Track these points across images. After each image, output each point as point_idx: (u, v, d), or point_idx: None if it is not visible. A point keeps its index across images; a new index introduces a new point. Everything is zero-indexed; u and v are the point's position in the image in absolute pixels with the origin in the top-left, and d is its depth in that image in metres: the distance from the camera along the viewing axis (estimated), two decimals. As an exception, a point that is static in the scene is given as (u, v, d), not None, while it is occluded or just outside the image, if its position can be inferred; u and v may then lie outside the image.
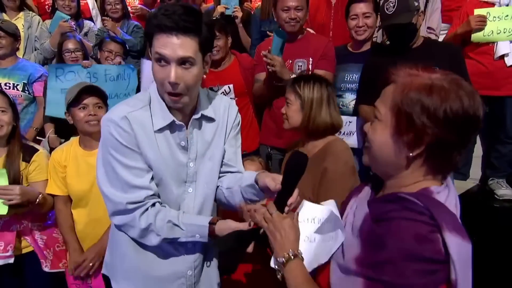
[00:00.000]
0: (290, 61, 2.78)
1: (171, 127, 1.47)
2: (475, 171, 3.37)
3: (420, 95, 0.96)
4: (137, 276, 1.57)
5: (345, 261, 1.03)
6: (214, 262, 1.68)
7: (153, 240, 1.47)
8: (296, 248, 1.15)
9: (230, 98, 2.93)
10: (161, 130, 1.46)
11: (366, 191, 1.17)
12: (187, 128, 1.50)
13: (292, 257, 1.13)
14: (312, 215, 1.22)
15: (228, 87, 2.93)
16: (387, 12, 2.39)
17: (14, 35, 3.25)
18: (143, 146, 1.43)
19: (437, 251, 0.92)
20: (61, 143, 2.89)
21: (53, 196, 2.25)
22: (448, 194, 1.00)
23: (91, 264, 2.15)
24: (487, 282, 2.76)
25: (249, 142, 2.91)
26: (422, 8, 2.54)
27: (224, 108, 1.62)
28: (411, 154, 0.98)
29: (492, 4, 3.00)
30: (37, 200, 2.18)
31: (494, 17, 2.89)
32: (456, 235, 0.92)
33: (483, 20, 2.87)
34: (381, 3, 2.50)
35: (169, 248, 1.54)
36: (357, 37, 2.74)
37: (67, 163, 2.20)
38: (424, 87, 0.97)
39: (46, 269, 2.32)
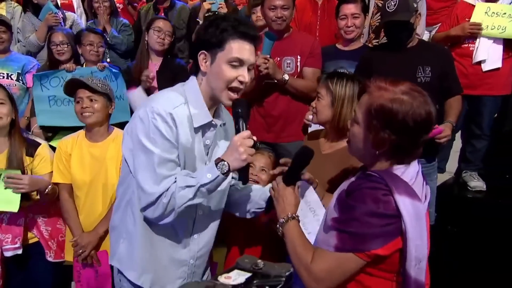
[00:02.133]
0: (279, 59, 2.86)
1: (206, 126, 1.60)
2: (453, 164, 3.56)
3: (384, 108, 1.22)
4: (144, 265, 1.65)
5: (326, 223, 1.33)
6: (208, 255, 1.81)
7: (174, 207, 1.50)
8: (294, 212, 1.45)
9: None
10: (198, 128, 1.57)
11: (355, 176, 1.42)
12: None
13: (291, 218, 1.43)
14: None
15: None
16: (388, 10, 2.52)
17: (11, 29, 3.22)
18: (181, 142, 1.53)
19: (390, 208, 1.20)
20: (46, 138, 2.91)
21: (57, 185, 2.28)
22: (405, 170, 1.28)
23: (80, 251, 2.19)
24: (460, 263, 2.99)
25: None
26: (420, 11, 2.66)
27: (226, 111, 1.75)
28: (377, 152, 1.27)
29: None
30: (47, 190, 2.22)
31: (493, 12, 2.99)
32: (405, 196, 1.21)
33: (478, 28, 2.99)
34: (382, 2, 2.63)
35: (176, 238, 1.64)
36: (346, 36, 2.86)
37: (72, 152, 2.26)
38: (390, 101, 1.22)
39: (50, 259, 2.38)
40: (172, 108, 1.50)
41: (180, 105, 1.53)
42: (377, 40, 3.28)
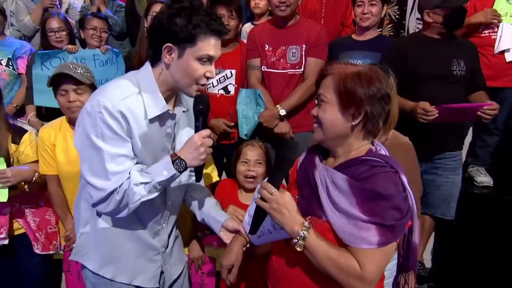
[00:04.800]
0: (284, 48, 2.77)
1: (163, 116, 1.54)
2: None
3: (353, 79, 1.27)
4: (104, 256, 1.64)
5: (346, 212, 1.23)
6: (179, 239, 1.86)
7: (127, 203, 1.48)
8: (304, 219, 1.28)
9: (230, 84, 2.92)
10: (154, 119, 1.51)
11: (317, 162, 1.37)
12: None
13: (308, 228, 1.25)
14: None
15: (230, 72, 2.90)
16: None
17: (4, 12, 3.10)
18: (134, 135, 1.48)
19: (404, 188, 1.26)
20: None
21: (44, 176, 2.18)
22: (385, 152, 1.35)
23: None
24: (465, 259, 2.94)
25: None
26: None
27: (189, 105, 1.69)
28: (353, 123, 1.29)
29: None
30: (33, 178, 2.13)
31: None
32: (403, 174, 1.28)
33: (500, 15, 2.92)
34: None
35: (145, 229, 1.64)
36: (361, 23, 2.77)
37: (56, 142, 2.13)
38: (355, 74, 1.29)
39: (37, 251, 2.31)
40: (120, 100, 1.44)
41: (131, 96, 1.48)
42: (381, 30, 3.20)
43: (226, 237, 1.73)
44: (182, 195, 1.77)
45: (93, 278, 1.67)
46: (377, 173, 1.25)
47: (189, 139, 1.50)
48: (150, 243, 1.66)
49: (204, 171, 2.06)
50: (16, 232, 2.28)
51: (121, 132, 1.45)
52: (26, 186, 2.19)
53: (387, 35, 3.15)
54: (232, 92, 2.91)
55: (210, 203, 1.80)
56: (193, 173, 1.70)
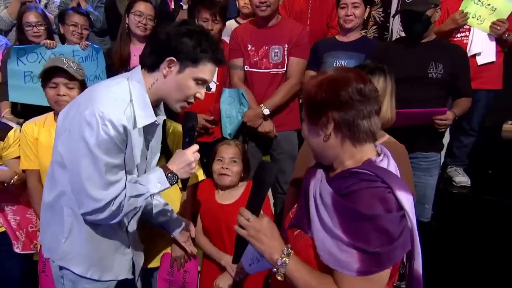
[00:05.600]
0: (266, 47, 2.79)
1: (149, 125, 1.58)
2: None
3: (314, 89, 1.21)
4: (90, 259, 1.65)
5: (329, 233, 1.13)
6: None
7: (120, 213, 1.55)
8: (283, 245, 1.20)
9: (212, 81, 2.89)
10: (141, 129, 1.56)
11: (320, 173, 1.28)
12: None
13: (287, 255, 1.18)
14: None
15: None
16: (406, 0, 2.51)
17: None
18: (128, 144, 1.53)
19: (397, 207, 1.11)
20: (18, 123, 2.71)
21: (24, 172, 2.13)
22: (388, 162, 1.23)
23: None
24: (443, 259, 2.97)
25: None
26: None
27: (164, 113, 1.75)
28: (326, 133, 1.20)
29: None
30: (12, 181, 2.09)
31: (479, 0, 2.97)
32: (403, 191, 1.13)
33: (466, 16, 2.97)
34: None
35: (118, 228, 1.68)
36: (345, 25, 2.79)
37: (39, 136, 2.08)
38: (318, 83, 1.21)
39: (17, 251, 2.26)
40: (122, 113, 1.48)
41: (128, 107, 1.52)
42: (365, 31, 3.24)
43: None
44: None
45: (73, 276, 1.66)
46: (363, 188, 1.13)
47: (181, 154, 1.62)
48: (122, 237, 1.72)
49: None
50: None
51: (121, 144, 1.50)
52: (5, 184, 2.14)
53: (371, 37, 3.19)
54: (213, 90, 2.90)
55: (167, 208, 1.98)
56: None
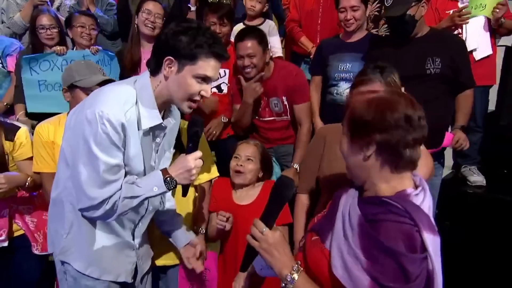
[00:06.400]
0: (266, 99, 2.79)
1: (155, 127, 1.60)
2: (448, 159, 3.52)
3: (362, 107, 1.18)
4: (90, 257, 1.67)
5: (351, 248, 1.13)
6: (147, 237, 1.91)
7: (115, 213, 1.55)
8: (294, 261, 1.22)
9: (223, 82, 2.92)
10: (147, 130, 1.58)
11: (353, 191, 1.28)
12: None
13: (296, 271, 1.19)
14: None
15: (224, 71, 2.90)
16: (386, 4, 2.47)
17: None
18: (128, 145, 1.53)
19: (420, 247, 1.08)
20: (32, 126, 2.75)
21: (38, 174, 2.14)
22: (424, 198, 1.18)
23: None
24: (459, 259, 2.93)
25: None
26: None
27: (178, 118, 1.79)
28: (366, 154, 1.18)
29: (456, 0, 3.06)
30: (27, 184, 2.10)
31: None
32: (430, 232, 1.10)
33: (465, 14, 2.92)
34: None
35: (123, 229, 1.70)
36: (346, 29, 2.78)
37: (55, 139, 2.08)
38: (367, 102, 1.19)
39: (37, 252, 2.29)
40: (123, 113, 1.50)
41: (131, 108, 1.52)
42: (377, 30, 3.22)
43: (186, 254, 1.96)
44: (160, 196, 1.83)
45: (74, 273, 1.69)
46: (390, 220, 1.12)
47: (182, 160, 1.58)
48: (127, 240, 1.73)
49: (204, 168, 2.08)
50: (16, 234, 2.26)
51: (119, 143, 1.50)
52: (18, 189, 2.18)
53: (383, 35, 3.16)
54: (225, 91, 2.92)
55: (178, 219, 1.97)
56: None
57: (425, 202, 1.19)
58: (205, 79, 1.53)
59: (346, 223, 1.19)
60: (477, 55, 3.00)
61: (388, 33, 3.09)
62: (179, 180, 1.56)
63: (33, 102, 2.97)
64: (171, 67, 1.51)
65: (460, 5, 3.04)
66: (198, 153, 1.58)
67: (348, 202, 1.24)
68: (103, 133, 1.46)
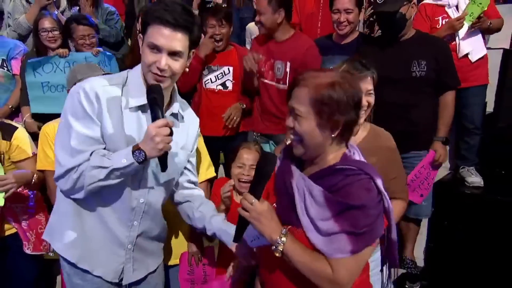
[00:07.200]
0: (272, 60, 2.86)
1: (144, 109, 1.58)
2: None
3: (328, 91, 1.26)
4: (71, 240, 1.66)
5: (321, 226, 1.28)
6: (155, 250, 1.85)
7: (83, 184, 1.52)
8: (281, 226, 1.33)
9: (228, 80, 3.01)
10: (133, 109, 1.57)
11: (296, 171, 1.37)
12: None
13: (285, 234, 1.31)
14: None
15: (228, 68, 2.99)
16: (377, 1, 2.50)
17: (2, 15, 3.10)
18: (105, 120, 1.53)
19: (377, 192, 1.29)
20: (39, 127, 2.80)
21: (42, 171, 2.17)
22: (359, 154, 1.39)
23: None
24: (457, 259, 3.01)
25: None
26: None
27: (192, 116, 1.79)
28: (333, 135, 1.30)
29: (443, 6, 3.11)
30: (33, 180, 2.12)
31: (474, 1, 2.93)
32: (378, 177, 1.31)
33: (461, 22, 2.95)
34: None
35: (114, 222, 1.65)
36: (339, 32, 2.81)
37: None
38: (329, 85, 1.27)
39: (28, 251, 2.28)
40: (100, 86, 1.53)
41: (114, 85, 1.56)
42: (373, 34, 3.25)
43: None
44: (162, 199, 1.77)
45: (68, 268, 1.70)
46: (351, 183, 1.28)
47: (146, 130, 1.50)
48: (117, 234, 1.68)
49: (200, 166, 2.11)
50: (7, 232, 2.26)
51: (92, 114, 1.52)
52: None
53: (370, 19, 3.21)
54: (230, 88, 3.02)
55: (219, 218, 1.80)
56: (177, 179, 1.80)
57: (361, 157, 1.39)
58: (157, 48, 1.48)
59: (309, 203, 1.31)
60: (473, 57, 3.04)
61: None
62: (147, 152, 1.47)
63: (37, 104, 3.04)
64: (141, 44, 1.55)
65: (447, 9, 3.09)
66: (160, 121, 1.47)
67: (301, 183, 1.34)
68: (77, 102, 1.51)
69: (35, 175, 2.14)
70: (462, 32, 3.00)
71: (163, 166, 1.54)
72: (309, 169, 1.39)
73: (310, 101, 1.28)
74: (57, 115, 2.29)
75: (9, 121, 2.30)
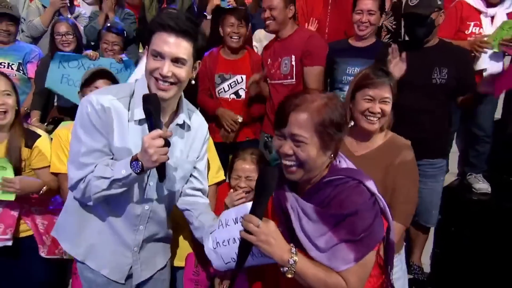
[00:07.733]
0: (280, 59, 2.90)
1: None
2: (453, 165, 3.55)
3: (328, 113, 1.27)
4: (75, 240, 1.71)
5: (320, 243, 1.28)
6: (162, 250, 1.87)
7: (90, 194, 1.57)
8: (288, 245, 1.29)
9: (241, 88, 3.07)
10: (139, 121, 1.58)
11: (291, 195, 1.36)
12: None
13: (295, 254, 1.27)
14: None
15: (241, 77, 3.04)
16: (410, 3, 2.53)
17: (18, 21, 3.21)
18: (112, 133, 1.57)
19: (369, 194, 1.30)
20: (47, 131, 2.86)
21: (56, 175, 2.20)
22: (345, 161, 1.40)
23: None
24: (464, 265, 2.98)
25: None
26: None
27: (200, 121, 1.79)
28: (332, 154, 1.33)
29: (480, 13, 3.04)
30: (41, 191, 2.17)
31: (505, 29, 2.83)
32: (368, 180, 1.32)
33: (485, 47, 2.89)
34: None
35: (119, 224, 1.69)
36: (358, 32, 2.80)
37: None
38: (327, 106, 1.28)
39: (43, 255, 2.29)
40: (109, 100, 1.56)
41: (122, 98, 1.58)
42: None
43: None
44: (167, 206, 1.79)
45: (79, 263, 1.75)
46: (341, 191, 1.29)
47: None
48: (124, 238, 1.71)
49: (209, 171, 2.10)
50: (23, 234, 2.26)
51: (101, 127, 1.55)
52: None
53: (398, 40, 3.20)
54: (243, 96, 3.08)
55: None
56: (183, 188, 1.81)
57: (348, 163, 1.41)
58: (160, 55, 1.49)
59: (305, 223, 1.30)
60: (487, 73, 2.92)
61: (391, 41, 3.15)
62: (144, 163, 1.48)
63: (52, 82, 3.16)
64: (146, 54, 1.57)
65: (482, 17, 3.04)
66: (154, 132, 1.45)
67: (295, 205, 1.33)
68: (86, 115, 1.54)
69: (44, 188, 2.17)
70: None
71: (161, 176, 1.55)
72: (302, 186, 1.39)
73: (314, 126, 1.26)
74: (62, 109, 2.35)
75: (34, 129, 2.32)
